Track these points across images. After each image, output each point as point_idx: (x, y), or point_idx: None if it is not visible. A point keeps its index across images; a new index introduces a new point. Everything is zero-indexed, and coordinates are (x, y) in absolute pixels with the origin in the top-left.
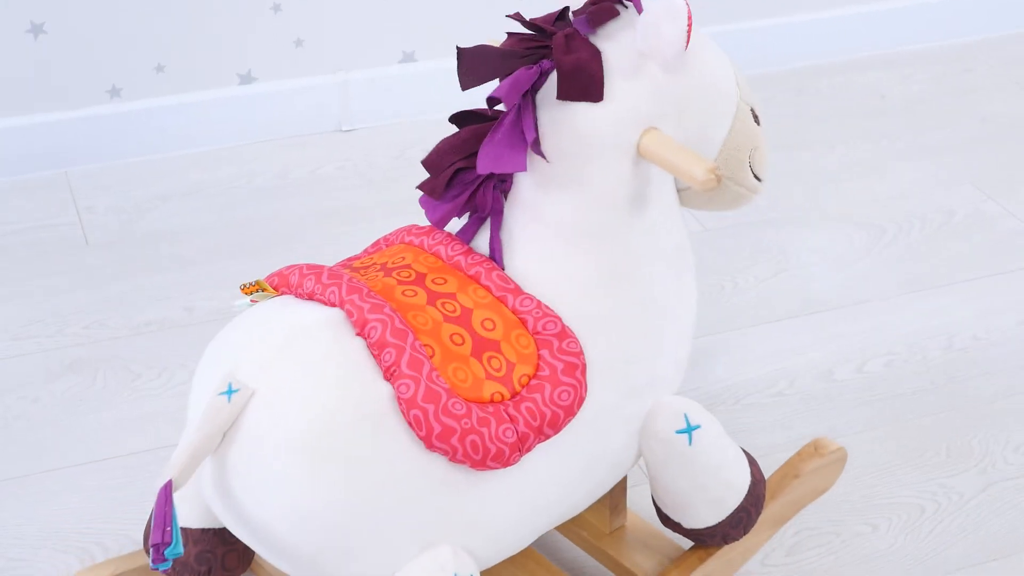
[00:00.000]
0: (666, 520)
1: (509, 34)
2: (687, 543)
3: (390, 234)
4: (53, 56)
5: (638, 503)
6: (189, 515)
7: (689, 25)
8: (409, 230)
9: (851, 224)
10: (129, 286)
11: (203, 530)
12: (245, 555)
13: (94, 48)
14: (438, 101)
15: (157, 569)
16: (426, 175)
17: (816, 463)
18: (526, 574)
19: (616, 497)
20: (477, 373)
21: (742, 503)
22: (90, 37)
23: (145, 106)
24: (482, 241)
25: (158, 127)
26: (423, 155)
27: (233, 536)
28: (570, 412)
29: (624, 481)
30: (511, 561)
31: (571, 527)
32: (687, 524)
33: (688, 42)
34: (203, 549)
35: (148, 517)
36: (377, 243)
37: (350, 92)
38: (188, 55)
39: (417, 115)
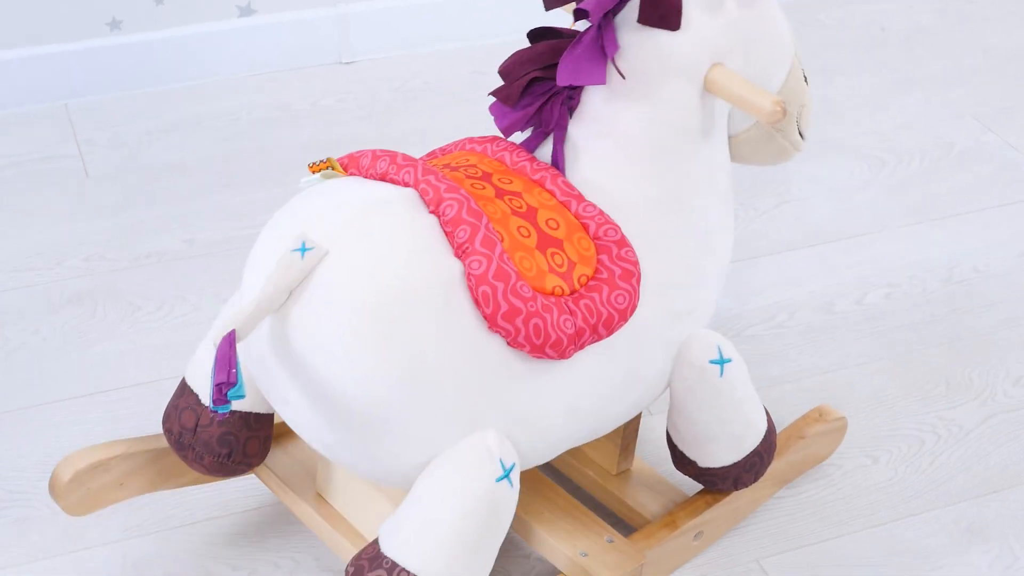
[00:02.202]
0: (680, 460)
1: None
2: (692, 491)
3: (447, 145)
4: None
5: (644, 450)
6: None
7: None
8: (469, 139)
9: (851, 155)
10: (129, 218)
11: (229, 412)
12: (265, 444)
13: None
14: (437, 34)
15: (216, 411)
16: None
17: (820, 428)
18: (541, 499)
19: (627, 438)
20: (541, 265)
21: (758, 447)
22: None
23: (145, 38)
24: (543, 154)
25: (158, 59)
26: (423, 88)
27: (257, 422)
28: (624, 316)
29: (636, 422)
30: (527, 487)
31: (577, 467)
32: (703, 463)
33: None
34: (227, 431)
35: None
36: (433, 152)
37: (350, 24)
38: None
39: (417, 47)
